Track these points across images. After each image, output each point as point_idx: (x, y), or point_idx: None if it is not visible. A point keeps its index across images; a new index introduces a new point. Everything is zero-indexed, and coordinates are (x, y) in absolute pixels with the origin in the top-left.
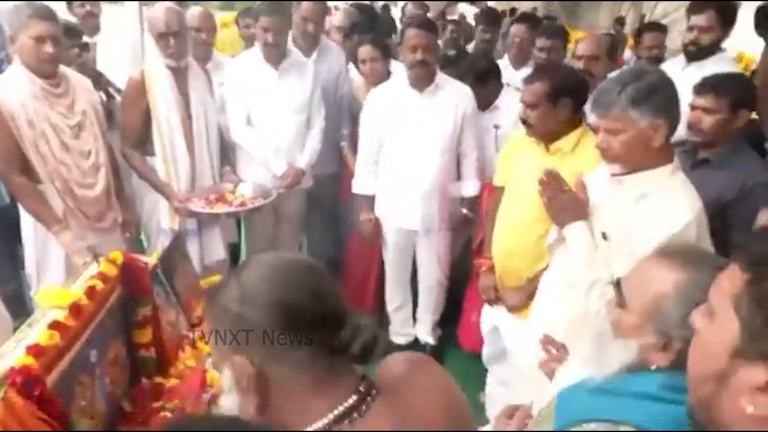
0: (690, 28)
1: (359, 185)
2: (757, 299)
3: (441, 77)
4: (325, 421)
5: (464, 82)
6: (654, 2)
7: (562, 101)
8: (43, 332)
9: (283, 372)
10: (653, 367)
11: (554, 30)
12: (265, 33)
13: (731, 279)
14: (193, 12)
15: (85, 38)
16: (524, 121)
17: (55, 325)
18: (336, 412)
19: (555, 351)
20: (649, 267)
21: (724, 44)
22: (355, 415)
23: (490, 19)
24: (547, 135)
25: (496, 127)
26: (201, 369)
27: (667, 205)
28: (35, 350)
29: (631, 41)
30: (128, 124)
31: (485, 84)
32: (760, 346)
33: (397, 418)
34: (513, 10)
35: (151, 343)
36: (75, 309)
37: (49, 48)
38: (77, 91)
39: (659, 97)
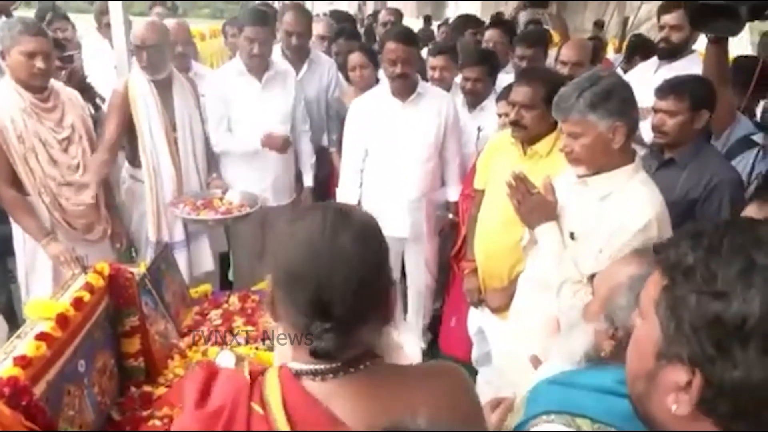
0: (661, 27)
1: (343, 193)
2: (670, 305)
3: (423, 86)
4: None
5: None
6: (638, 5)
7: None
8: (30, 343)
9: (279, 312)
10: (602, 353)
11: (534, 38)
12: (251, 44)
13: (654, 283)
14: (168, 23)
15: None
16: (516, 123)
17: (42, 336)
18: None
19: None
20: (620, 261)
21: (696, 46)
22: (340, 373)
23: (480, 22)
24: (534, 138)
25: (479, 129)
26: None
27: (629, 204)
28: (22, 361)
29: (616, 43)
30: (109, 134)
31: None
32: (676, 349)
33: (383, 390)
34: (499, 14)
35: (139, 353)
36: (62, 320)
37: (40, 63)
38: (66, 106)
39: (615, 100)
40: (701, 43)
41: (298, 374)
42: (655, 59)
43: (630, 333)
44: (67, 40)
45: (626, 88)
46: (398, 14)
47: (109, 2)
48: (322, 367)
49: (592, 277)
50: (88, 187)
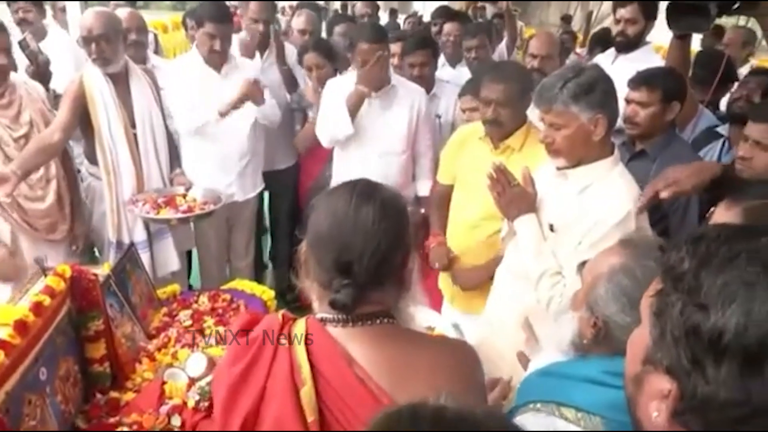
0: (617, 21)
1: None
2: (659, 310)
3: (395, 78)
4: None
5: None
6: (600, 0)
7: (526, 99)
8: None
9: (308, 269)
10: (585, 341)
11: (478, 29)
12: (212, 40)
13: (654, 286)
14: (120, 12)
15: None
16: (493, 120)
17: None
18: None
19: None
20: (605, 251)
21: (648, 38)
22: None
23: (442, 13)
24: (506, 133)
25: (438, 116)
26: (159, 381)
27: (608, 196)
28: None
29: (580, 37)
30: (61, 116)
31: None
32: (658, 356)
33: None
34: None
35: (104, 357)
36: (20, 327)
37: (2, 60)
38: (24, 100)
39: (598, 92)
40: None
41: (323, 321)
42: (612, 50)
43: (607, 322)
44: (27, 23)
45: (608, 81)
46: (375, 7)
47: None
48: (342, 316)
49: (582, 265)
50: (8, 179)
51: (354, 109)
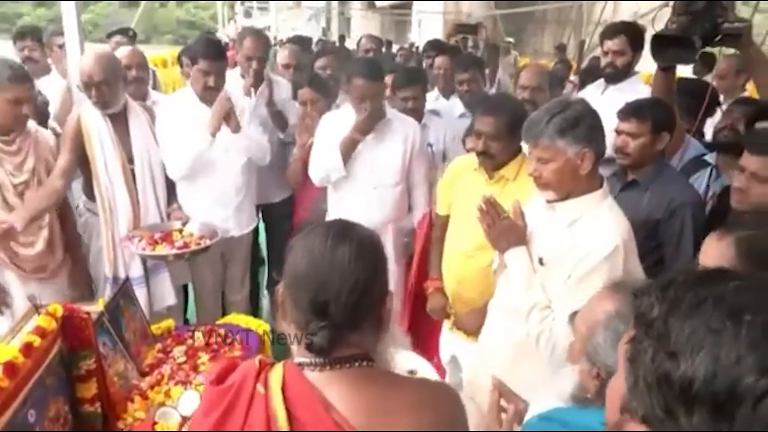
0: (605, 53)
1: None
2: (632, 357)
3: (390, 112)
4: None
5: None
6: (592, 29)
7: (518, 131)
8: None
9: (286, 311)
10: (588, 394)
11: (470, 61)
12: (205, 76)
13: (629, 332)
14: (122, 51)
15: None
16: (484, 152)
17: None
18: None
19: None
20: (598, 297)
21: (637, 67)
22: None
23: (434, 46)
24: (500, 163)
25: (429, 145)
26: (150, 421)
27: (596, 230)
28: None
29: (573, 65)
30: (62, 162)
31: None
32: (633, 405)
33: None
34: (464, 38)
35: (95, 397)
36: (9, 369)
37: (25, 110)
38: (31, 149)
39: (584, 126)
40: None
41: (301, 365)
42: (601, 81)
43: (611, 372)
44: (33, 61)
45: (594, 116)
46: (378, 42)
47: (65, 25)
48: (320, 360)
49: (574, 315)
50: (17, 223)
51: (347, 154)
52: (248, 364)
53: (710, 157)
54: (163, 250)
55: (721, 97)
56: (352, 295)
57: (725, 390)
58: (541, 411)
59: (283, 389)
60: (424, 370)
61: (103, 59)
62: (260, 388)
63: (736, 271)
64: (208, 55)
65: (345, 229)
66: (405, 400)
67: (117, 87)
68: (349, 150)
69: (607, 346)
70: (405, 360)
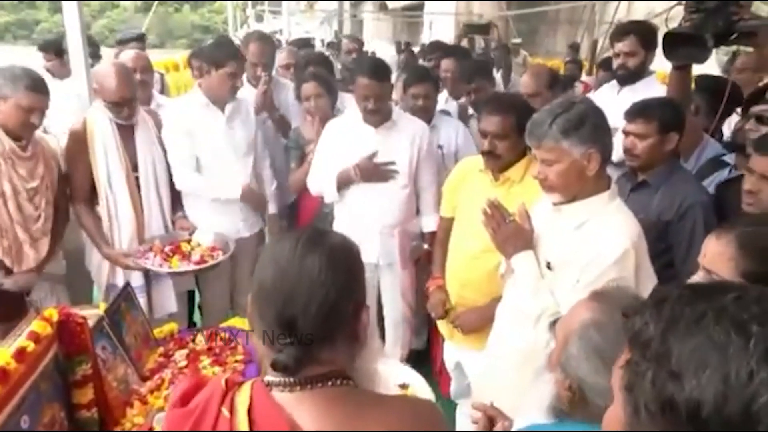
0: (616, 55)
1: (319, 187)
2: (628, 384)
3: (397, 113)
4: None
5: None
6: (606, 29)
7: (524, 132)
8: None
9: (253, 325)
10: (563, 407)
11: (474, 70)
12: (233, 78)
13: (623, 356)
14: (127, 54)
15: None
16: (490, 152)
17: None
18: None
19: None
20: (578, 305)
21: (654, 66)
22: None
23: (438, 48)
24: (506, 165)
25: (440, 146)
26: (148, 426)
27: (605, 233)
28: None
29: (586, 65)
30: (74, 179)
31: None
32: None
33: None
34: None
35: (92, 403)
36: (1, 375)
37: (35, 120)
38: (41, 156)
39: (589, 126)
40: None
41: (269, 385)
42: (615, 82)
43: (581, 384)
44: (51, 73)
45: (599, 114)
46: (360, 43)
47: (67, 29)
48: (290, 379)
49: (554, 322)
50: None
51: (342, 185)
52: (214, 384)
53: (729, 158)
54: (181, 265)
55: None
56: (322, 309)
57: (739, 411)
58: (520, 427)
59: (249, 412)
60: (416, 383)
61: (129, 77)
62: (225, 411)
63: (732, 282)
64: (237, 56)
65: (316, 237)
66: (381, 421)
67: (137, 101)
68: (345, 183)
69: (579, 356)
70: (395, 374)
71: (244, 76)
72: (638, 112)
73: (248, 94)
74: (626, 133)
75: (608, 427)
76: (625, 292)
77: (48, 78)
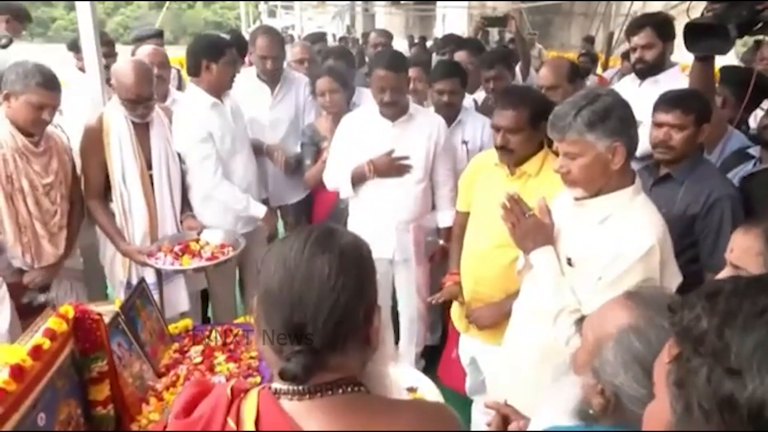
0: (633, 49)
1: (334, 182)
2: (679, 379)
3: (414, 107)
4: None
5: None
6: (622, 21)
7: (541, 125)
8: None
9: (260, 331)
10: (590, 411)
11: (496, 58)
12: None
13: (668, 350)
14: (144, 49)
15: None
16: (503, 147)
17: None
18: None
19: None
20: (610, 306)
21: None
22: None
23: (451, 40)
24: (521, 158)
25: (465, 142)
26: (164, 423)
27: (629, 228)
28: None
29: (602, 58)
30: (88, 175)
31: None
32: None
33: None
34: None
35: (108, 400)
36: (17, 372)
37: (46, 116)
38: (53, 151)
39: (614, 119)
40: (678, 54)
41: (277, 393)
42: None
43: (617, 392)
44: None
45: (625, 107)
46: (388, 36)
47: (80, 27)
48: (299, 387)
49: (580, 320)
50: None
51: (357, 181)
52: (219, 392)
53: (755, 150)
54: (191, 262)
55: None
56: (333, 315)
57: None
58: (540, 427)
59: (257, 423)
60: (425, 387)
61: (148, 75)
62: (231, 422)
63: None
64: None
65: (325, 237)
66: (396, 429)
67: (153, 97)
68: (360, 179)
69: (616, 363)
70: (404, 377)
71: (253, 69)
72: (675, 102)
73: (258, 87)
74: (660, 124)
75: (651, 424)
76: (661, 293)
77: (80, 76)
